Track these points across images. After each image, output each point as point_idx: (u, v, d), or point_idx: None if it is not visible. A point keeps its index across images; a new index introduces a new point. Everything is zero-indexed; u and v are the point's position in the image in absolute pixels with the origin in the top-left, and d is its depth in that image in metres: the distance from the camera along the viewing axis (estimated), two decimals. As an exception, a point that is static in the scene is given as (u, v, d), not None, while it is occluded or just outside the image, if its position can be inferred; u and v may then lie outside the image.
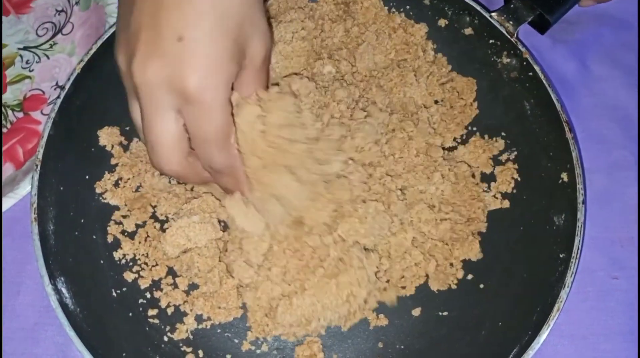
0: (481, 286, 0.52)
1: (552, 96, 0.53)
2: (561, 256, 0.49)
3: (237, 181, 0.46)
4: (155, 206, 0.53)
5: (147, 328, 0.50)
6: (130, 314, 0.50)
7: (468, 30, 0.59)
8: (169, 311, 0.51)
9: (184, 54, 0.39)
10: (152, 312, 0.51)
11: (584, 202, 0.50)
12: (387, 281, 0.51)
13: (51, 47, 0.65)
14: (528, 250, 0.52)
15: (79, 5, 0.65)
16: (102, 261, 0.52)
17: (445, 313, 0.52)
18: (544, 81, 0.54)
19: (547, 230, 0.52)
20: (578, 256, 0.49)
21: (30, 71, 0.63)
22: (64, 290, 0.48)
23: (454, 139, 0.57)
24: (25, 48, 0.65)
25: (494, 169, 0.56)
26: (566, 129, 0.52)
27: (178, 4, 0.39)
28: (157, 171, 0.50)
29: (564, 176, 0.52)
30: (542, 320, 0.47)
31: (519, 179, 0.55)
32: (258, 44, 0.43)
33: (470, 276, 0.53)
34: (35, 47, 0.65)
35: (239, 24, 0.40)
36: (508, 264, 0.52)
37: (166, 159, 0.42)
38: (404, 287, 0.52)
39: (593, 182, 0.58)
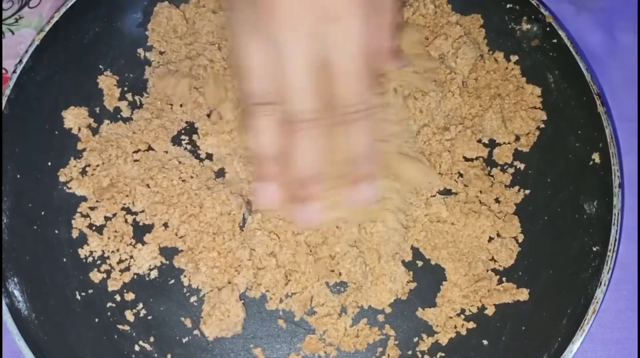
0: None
1: (581, 65, 0.49)
2: (595, 249, 0.45)
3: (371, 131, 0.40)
4: (127, 197, 0.48)
5: (115, 336, 0.45)
6: (97, 320, 0.46)
7: (482, -6, 0.54)
8: (142, 316, 0.46)
9: None
10: (121, 318, 0.46)
11: (620, 186, 0.45)
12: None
13: (16, 21, 0.60)
14: (555, 242, 0.48)
15: (48, -24, 0.60)
16: (64, 260, 0.47)
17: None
18: (571, 49, 0.50)
19: (576, 219, 0.47)
20: (615, 249, 0.44)
21: (-8, 47, 0.58)
22: (16, 293, 0.44)
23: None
24: (-13, 23, 0.59)
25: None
26: (598, 102, 0.48)
27: None
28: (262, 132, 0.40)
29: (596, 157, 0.48)
30: (574, 324, 0.42)
31: (540, 161, 0.50)
32: None
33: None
34: (-1, 21, 0.59)
35: None
36: (532, 259, 0.47)
37: (302, 98, 0.37)
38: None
39: (624, 165, 0.53)
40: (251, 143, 0.40)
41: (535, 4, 0.51)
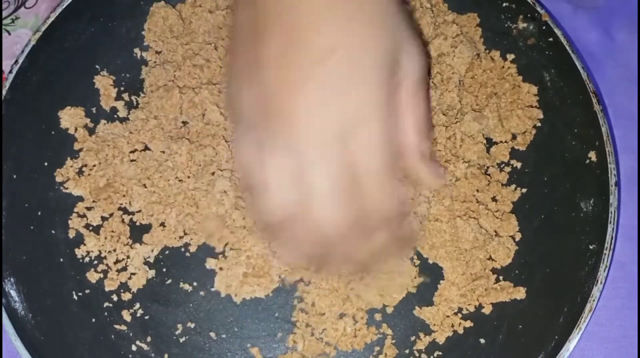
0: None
1: (577, 63, 0.48)
2: (591, 247, 0.45)
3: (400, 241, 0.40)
4: (124, 197, 0.48)
5: (112, 336, 0.45)
6: (94, 320, 0.45)
7: (478, -7, 0.53)
8: (139, 316, 0.46)
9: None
10: (118, 318, 0.45)
11: (617, 184, 0.45)
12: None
13: (13, 21, 0.60)
14: (552, 241, 0.47)
15: (44, -25, 0.59)
16: (61, 260, 0.47)
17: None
18: (567, 47, 0.49)
19: (573, 217, 0.47)
20: (612, 247, 0.44)
21: (-12, 48, 0.58)
22: (12, 293, 0.43)
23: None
24: (-17, 23, 0.59)
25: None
26: (594, 101, 0.47)
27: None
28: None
29: (592, 155, 0.47)
30: (571, 322, 0.42)
31: (536, 160, 0.50)
32: (413, 59, 0.37)
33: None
34: (-5, 22, 0.59)
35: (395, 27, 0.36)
36: (529, 257, 0.47)
37: (331, 209, 0.35)
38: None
39: (620, 163, 0.53)
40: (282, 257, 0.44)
41: (531, 3, 0.50)
